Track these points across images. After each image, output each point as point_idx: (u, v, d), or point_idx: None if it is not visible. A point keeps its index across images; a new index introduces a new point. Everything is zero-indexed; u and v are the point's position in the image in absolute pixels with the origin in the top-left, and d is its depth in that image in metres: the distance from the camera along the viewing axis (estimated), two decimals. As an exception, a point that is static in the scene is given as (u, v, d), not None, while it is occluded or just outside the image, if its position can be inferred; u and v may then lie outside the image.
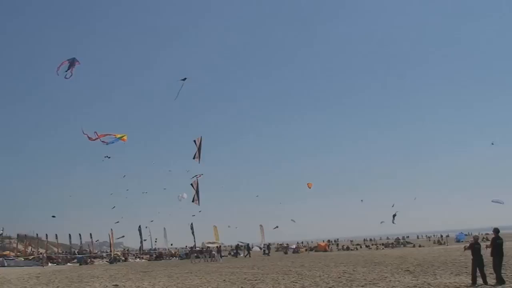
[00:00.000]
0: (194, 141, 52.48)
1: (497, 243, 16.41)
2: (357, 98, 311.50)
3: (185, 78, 31.73)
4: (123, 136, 36.72)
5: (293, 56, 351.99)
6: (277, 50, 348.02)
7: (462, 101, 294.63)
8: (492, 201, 61.90)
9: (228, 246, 78.58)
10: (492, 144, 66.12)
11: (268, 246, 65.66)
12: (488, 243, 17.35)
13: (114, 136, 35.75)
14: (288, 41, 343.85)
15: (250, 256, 53.55)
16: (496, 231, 16.80)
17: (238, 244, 63.90)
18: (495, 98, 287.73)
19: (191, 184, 53.39)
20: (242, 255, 57.25)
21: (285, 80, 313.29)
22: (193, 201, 53.33)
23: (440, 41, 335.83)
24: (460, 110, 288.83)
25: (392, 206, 63.33)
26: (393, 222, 62.71)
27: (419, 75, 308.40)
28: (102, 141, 34.41)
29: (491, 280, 16.67)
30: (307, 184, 63.28)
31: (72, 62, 28.80)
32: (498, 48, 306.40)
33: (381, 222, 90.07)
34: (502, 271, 17.47)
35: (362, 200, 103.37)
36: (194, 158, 52.67)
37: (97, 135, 33.58)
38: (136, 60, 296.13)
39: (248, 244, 62.76)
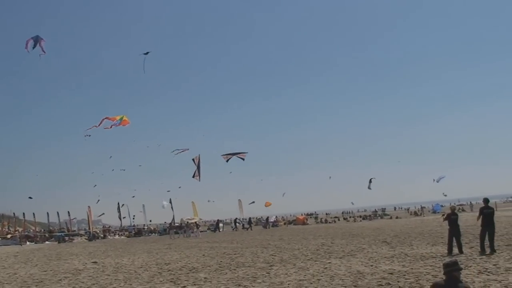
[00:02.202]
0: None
1: (484, 213, 16.31)
2: (326, 74, 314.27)
3: (147, 52, 31.75)
4: (122, 117, 37.13)
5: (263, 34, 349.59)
6: (258, 25, 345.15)
7: (435, 72, 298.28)
8: (438, 182, 63.59)
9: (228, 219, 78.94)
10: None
11: (267, 219, 65.86)
12: (464, 213, 17.49)
13: (115, 119, 36.41)
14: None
15: (252, 229, 54.78)
16: (486, 201, 16.62)
17: (250, 218, 64.53)
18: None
19: (193, 159, 53.34)
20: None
21: (265, 57, 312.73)
22: (193, 177, 53.33)
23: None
24: (430, 81, 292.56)
25: (370, 182, 63.91)
26: (369, 188, 63.20)
27: (395, 48, 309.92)
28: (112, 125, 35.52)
29: (467, 249, 16.98)
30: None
31: (36, 40, 28.61)
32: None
33: (352, 203, 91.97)
34: (474, 242, 17.73)
35: (330, 177, 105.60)
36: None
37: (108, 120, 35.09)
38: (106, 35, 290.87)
39: (250, 218, 63.95)
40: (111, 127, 36.80)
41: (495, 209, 17.03)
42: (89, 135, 43.05)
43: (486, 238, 16.09)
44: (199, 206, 68.03)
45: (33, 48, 28.56)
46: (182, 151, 51.85)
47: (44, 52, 29.24)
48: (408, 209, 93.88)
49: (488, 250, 15.90)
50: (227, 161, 51.50)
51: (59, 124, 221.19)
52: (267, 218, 66.90)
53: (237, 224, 62.65)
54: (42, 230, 65.68)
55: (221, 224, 62.86)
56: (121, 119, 37.54)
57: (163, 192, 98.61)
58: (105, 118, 36.83)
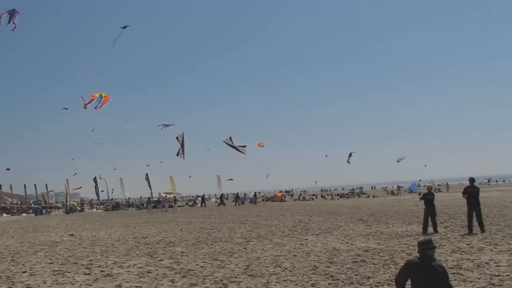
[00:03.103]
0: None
1: (468, 192, 16.60)
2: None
3: (125, 26, 31.46)
4: (101, 94, 36.82)
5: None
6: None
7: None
8: (398, 161, 64.56)
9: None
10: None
11: (255, 195, 65.18)
12: (440, 194, 17.72)
13: (95, 97, 36.16)
14: None
15: (239, 205, 54.21)
16: (471, 180, 16.98)
17: (237, 193, 63.95)
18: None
19: (177, 138, 53.09)
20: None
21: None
22: (177, 155, 53.16)
23: None
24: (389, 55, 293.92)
25: (350, 155, 63.75)
26: (348, 162, 62.98)
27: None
28: (95, 108, 35.37)
29: (441, 229, 17.25)
30: (259, 144, 63.83)
31: (12, 14, 27.90)
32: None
33: (315, 182, 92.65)
34: (448, 221, 17.95)
35: (326, 155, 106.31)
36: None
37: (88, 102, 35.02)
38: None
39: (237, 193, 63.59)
40: (88, 104, 36.36)
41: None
42: (66, 108, 42.77)
43: (474, 218, 16.24)
44: (178, 181, 67.78)
45: (8, 22, 27.80)
46: (167, 126, 51.54)
47: (15, 25, 28.48)
48: (385, 188, 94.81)
49: (475, 230, 16.07)
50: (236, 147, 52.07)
51: (38, 96, 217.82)
52: (255, 194, 66.41)
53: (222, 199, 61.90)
54: (19, 202, 64.98)
55: (199, 199, 62.81)
56: (100, 96, 36.95)
57: (142, 166, 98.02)
58: (79, 96, 36.70)
